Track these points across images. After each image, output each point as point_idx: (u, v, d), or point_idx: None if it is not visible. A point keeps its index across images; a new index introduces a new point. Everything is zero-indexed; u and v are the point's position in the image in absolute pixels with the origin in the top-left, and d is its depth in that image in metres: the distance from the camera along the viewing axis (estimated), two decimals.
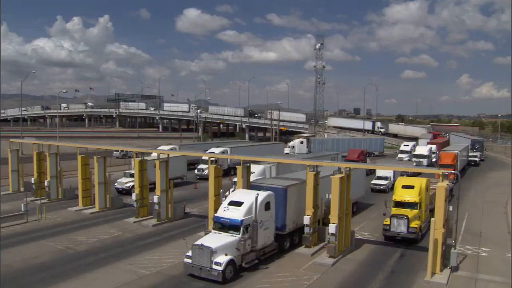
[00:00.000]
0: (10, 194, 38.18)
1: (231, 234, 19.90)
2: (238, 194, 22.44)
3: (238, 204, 20.87)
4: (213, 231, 20.75)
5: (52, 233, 26.65)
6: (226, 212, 20.71)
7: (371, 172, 48.98)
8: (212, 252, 18.63)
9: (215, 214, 21.25)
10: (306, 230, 23.35)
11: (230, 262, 18.94)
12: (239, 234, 19.73)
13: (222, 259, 18.70)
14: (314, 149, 71.27)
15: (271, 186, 23.35)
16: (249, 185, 24.58)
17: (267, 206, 21.37)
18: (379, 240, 25.97)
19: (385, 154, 77.87)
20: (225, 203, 21.60)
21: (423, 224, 26.07)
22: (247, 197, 21.18)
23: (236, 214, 20.25)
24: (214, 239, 19.58)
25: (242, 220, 19.90)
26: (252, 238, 20.05)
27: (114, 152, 65.56)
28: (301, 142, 66.44)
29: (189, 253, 19.35)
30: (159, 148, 45.23)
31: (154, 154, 36.14)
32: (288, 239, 23.57)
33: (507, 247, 24.79)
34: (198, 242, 19.35)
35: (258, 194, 20.83)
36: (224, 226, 20.31)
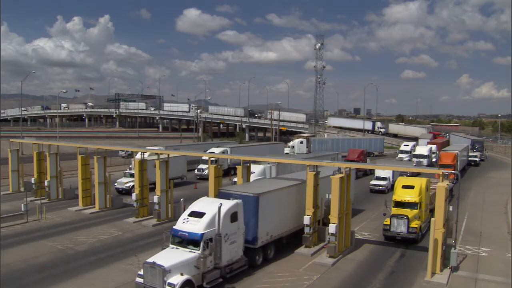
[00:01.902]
0: (10, 194, 38.22)
1: (190, 250, 17.57)
2: (200, 203, 19.81)
3: (199, 215, 18.48)
4: (171, 245, 18.24)
5: (52, 233, 26.65)
6: (185, 225, 18.32)
7: (370, 172, 49.12)
8: (164, 271, 16.27)
9: (174, 227, 18.75)
10: (306, 230, 23.32)
11: (187, 283, 16.57)
12: (199, 249, 17.43)
13: (177, 279, 16.32)
14: (314, 149, 71.36)
15: (241, 193, 21.00)
16: (218, 193, 22.20)
17: (233, 217, 19.07)
18: (379, 240, 25.97)
19: (385, 154, 77.89)
20: (185, 214, 19.20)
21: (423, 224, 26.07)
22: (210, 207, 18.75)
23: (195, 227, 17.88)
24: (169, 256, 17.30)
25: (202, 234, 17.53)
26: (215, 254, 17.85)
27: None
28: (301, 142, 66.50)
29: (141, 272, 17.10)
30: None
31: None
32: (260, 253, 21.22)
33: (507, 247, 24.79)
34: (150, 259, 17.02)
35: (221, 204, 18.39)
36: (183, 240, 17.95)
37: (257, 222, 20.64)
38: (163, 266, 16.36)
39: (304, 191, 24.00)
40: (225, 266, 18.53)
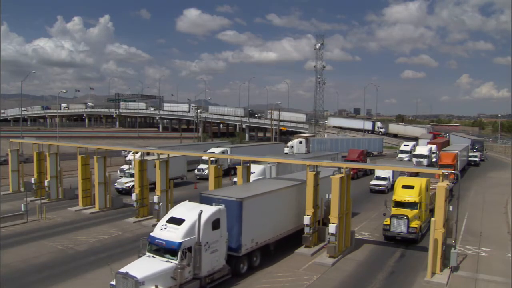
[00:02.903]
0: (10, 194, 38.22)
1: (167, 260, 16.40)
2: (180, 208, 18.52)
3: (178, 222, 17.21)
4: (147, 254, 17.06)
5: (52, 233, 26.65)
6: (163, 232, 17.08)
7: (370, 172, 49.19)
8: (137, 283, 15.03)
9: (151, 234, 17.53)
10: (306, 230, 23.31)
11: None
12: (176, 259, 16.27)
13: None
14: (313, 149, 71.59)
15: (223, 198, 19.62)
16: (200, 197, 20.80)
17: (215, 224, 17.84)
18: (379, 240, 25.96)
19: (384, 154, 77.85)
20: (163, 220, 17.93)
21: (423, 224, 26.05)
22: (190, 213, 17.49)
23: (173, 235, 16.67)
24: (144, 266, 16.07)
25: (180, 243, 16.32)
26: (194, 263, 16.66)
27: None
28: (300, 142, 67.16)
29: (113, 282, 15.93)
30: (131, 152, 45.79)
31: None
32: (245, 261, 20.01)
33: (507, 247, 24.79)
34: (123, 269, 15.72)
35: (201, 210, 17.12)
36: (160, 248, 16.77)
37: (241, 229, 19.45)
38: (136, 278, 15.11)
39: (299, 193, 23.87)
40: (205, 277, 17.40)
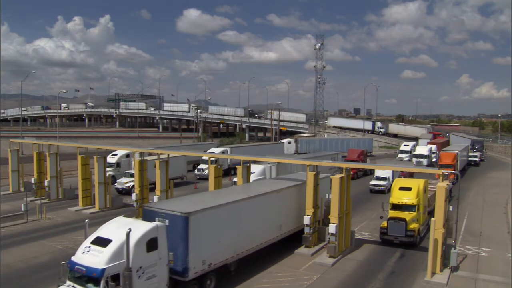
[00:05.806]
0: (10, 194, 38.21)
1: None
2: (110, 225, 15.52)
3: (104, 243, 14.19)
4: (68, 282, 14.07)
5: (52, 233, 26.66)
6: (85, 256, 14.07)
7: (370, 172, 49.28)
8: None
9: (72, 258, 14.47)
10: (306, 230, 23.32)
11: None
12: None
13: None
14: (301, 149, 73.28)
15: (167, 212, 16.71)
16: (142, 210, 18.26)
17: (151, 244, 14.61)
18: (379, 240, 25.91)
19: (374, 154, 77.37)
20: (88, 240, 14.89)
21: (422, 226, 25.59)
22: (120, 232, 14.25)
23: (96, 260, 13.64)
24: None
25: (103, 270, 13.28)
26: None
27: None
28: (289, 142, 71.39)
29: None
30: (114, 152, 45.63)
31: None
32: (195, 287, 17.13)
33: (507, 247, 24.79)
34: None
35: (130, 229, 13.79)
36: (82, 276, 13.77)
37: (187, 249, 16.30)
38: None
39: (285, 198, 23.23)
40: None
